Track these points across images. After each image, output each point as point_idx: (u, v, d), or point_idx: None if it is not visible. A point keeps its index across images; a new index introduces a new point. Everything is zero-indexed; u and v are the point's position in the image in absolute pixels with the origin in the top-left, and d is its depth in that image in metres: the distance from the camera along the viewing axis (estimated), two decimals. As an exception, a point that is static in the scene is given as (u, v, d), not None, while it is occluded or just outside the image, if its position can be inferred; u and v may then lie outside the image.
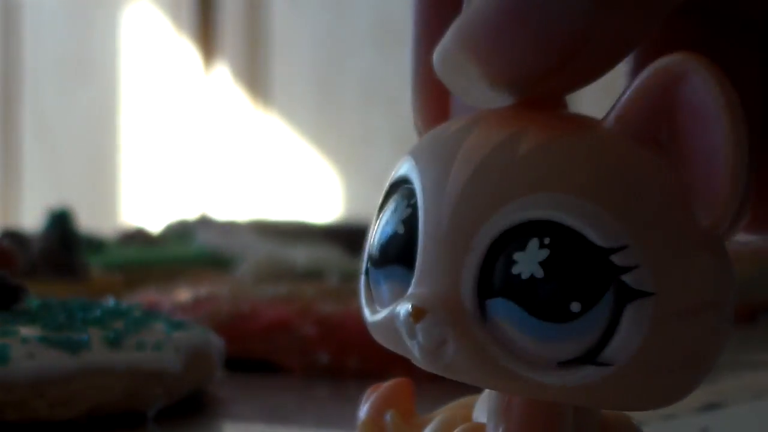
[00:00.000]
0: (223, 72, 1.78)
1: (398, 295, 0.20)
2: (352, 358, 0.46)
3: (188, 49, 1.80)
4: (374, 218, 0.22)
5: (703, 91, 0.18)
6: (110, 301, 0.44)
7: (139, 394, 0.38)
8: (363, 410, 0.24)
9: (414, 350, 0.20)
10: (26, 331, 0.37)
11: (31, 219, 1.30)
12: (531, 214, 0.19)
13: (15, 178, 1.94)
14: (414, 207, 0.20)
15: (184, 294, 0.52)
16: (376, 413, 0.23)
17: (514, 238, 0.19)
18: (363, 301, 0.22)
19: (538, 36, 0.19)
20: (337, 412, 0.43)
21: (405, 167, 0.21)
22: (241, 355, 0.47)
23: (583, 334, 0.18)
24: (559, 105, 0.21)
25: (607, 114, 0.20)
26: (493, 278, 0.19)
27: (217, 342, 0.42)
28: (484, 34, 0.19)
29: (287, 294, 0.50)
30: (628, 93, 0.19)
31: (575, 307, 0.18)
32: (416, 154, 0.21)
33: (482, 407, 0.22)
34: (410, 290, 0.20)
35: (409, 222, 0.20)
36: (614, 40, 0.19)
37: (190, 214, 1.01)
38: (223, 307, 0.49)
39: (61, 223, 0.60)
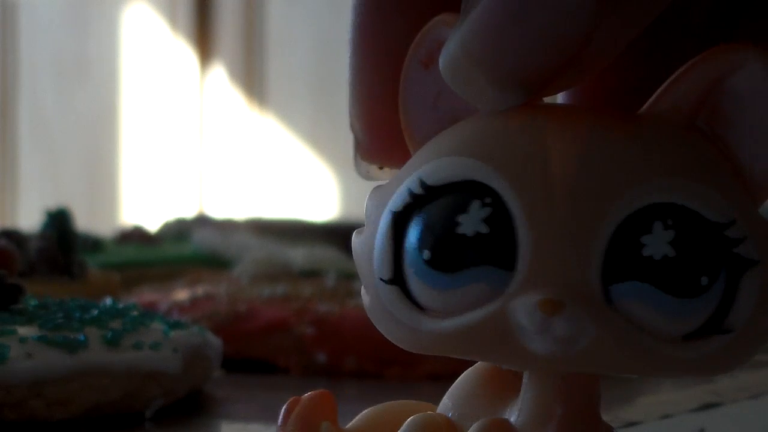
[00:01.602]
0: (219, 73, 1.78)
1: (490, 296, 0.20)
2: (349, 358, 0.46)
3: (185, 50, 1.80)
4: (388, 225, 0.21)
5: (764, 81, 0.20)
6: (108, 301, 0.44)
7: (137, 394, 0.38)
8: (288, 425, 0.23)
9: (537, 345, 0.20)
10: (24, 330, 0.37)
11: (28, 219, 1.30)
12: (652, 198, 0.19)
13: (12, 178, 1.94)
14: (495, 206, 0.20)
15: (181, 294, 0.52)
16: (307, 426, 0.23)
17: (635, 223, 0.19)
18: (406, 312, 0.21)
19: (543, 38, 0.19)
20: (335, 412, 0.43)
21: (459, 168, 0.20)
22: (239, 354, 0.48)
23: (707, 307, 0.20)
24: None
25: (653, 104, 0.20)
26: (621, 263, 0.19)
27: (214, 342, 0.42)
28: (490, 41, 0.19)
29: (284, 294, 0.50)
30: (681, 84, 0.20)
31: (704, 280, 0.19)
32: (480, 154, 0.20)
33: (464, 405, 0.22)
34: (516, 287, 0.20)
35: (494, 221, 0.20)
36: (615, 37, 0.19)
37: (188, 213, 1.01)
38: (221, 307, 0.49)
39: (59, 222, 0.60)
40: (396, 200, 0.21)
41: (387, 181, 0.22)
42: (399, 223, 0.21)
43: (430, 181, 0.20)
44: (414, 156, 0.21)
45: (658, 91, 0.21)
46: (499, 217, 0.20)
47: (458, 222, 0.20)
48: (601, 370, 0.20)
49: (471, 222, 0.20)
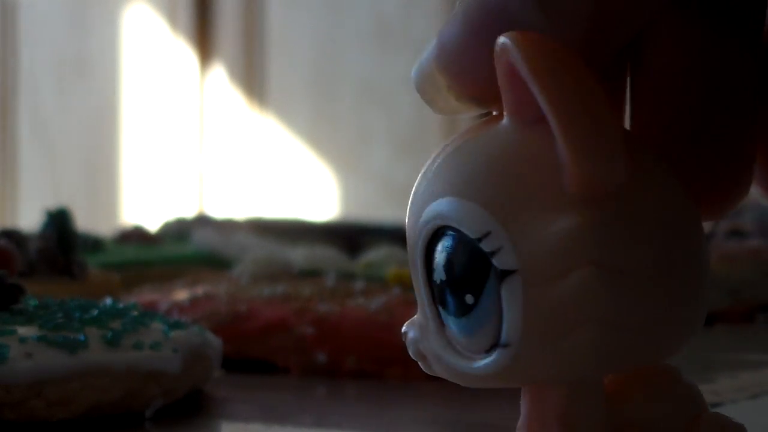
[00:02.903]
0: (219, 73, 1.78)
1: None
2: (349, 358, 0.46)
3: (185, 50, 1.80)
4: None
5: (519, 66, 0.19)
6: (108, 301, 0.44)
7: (137, 394, 0.38)
8: None
9: None
10: (24, 330, 0.37)
11: (28, 219, 1.30)
12: (431, 224, 0.20)
13: (12, 178, 1.94)
14: None
15: (181, 294, 0.52)
16: None
17: (430, 248, 0.20)
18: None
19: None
20: (335, 412, 0.43)
21: None
22: (239, 354, 0.48)
23: (486, 322, 0.20)
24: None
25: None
26: (430, 289, 0.21)
27: (214, 342, 0.42)
28: (453, 53, 0.21)
29: (284, 293, 0.50)
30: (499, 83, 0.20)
31: (469, 299, 0.20)
32: None
33: None
34: None
35: None
36: None
37: (188, 213, 1.01)
38: (221, 306, 0.49)
39: (59, 222, 0.60)
40: None
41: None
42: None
43: None
44: None
45: None
46: None
47: None
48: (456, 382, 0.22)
49: None
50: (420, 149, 1.54)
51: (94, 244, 0.71)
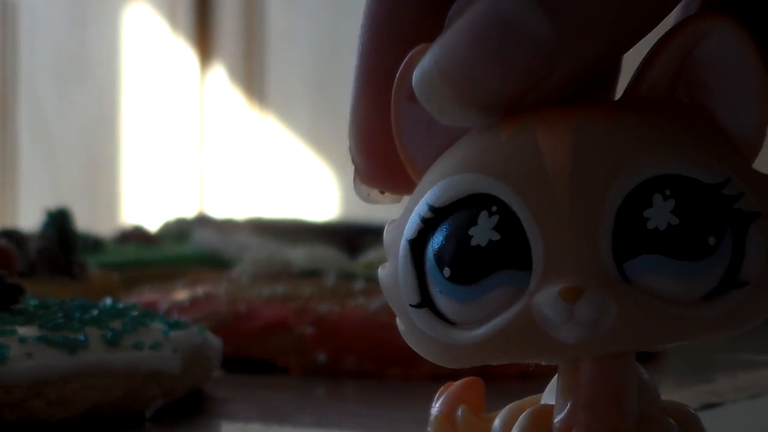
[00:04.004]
0: (219, 73, 1.78)
1: (513, 298, 0.21)
2: (349, 358, 0.46)
3: (185, 50, 1.80)
4: (407, 253, 0.22)
5: (732, 43, 0.21)
6: (108, 301, 0.44)
7: (137, 394, 0.38)
8: (435, 407, 0.25)
9: (565, 334, 0.20)
10: (24, 330, 0.37)
11: (28, 219, 1.30)
12: (647, 174, 0.20)
13: (12, 178, 1.94)
14: (502, 213, 0.21)
15: (181, 294, 0.52)
16: (448, 409, 0.24)
17: (635, 200, 0.20)
18: (439, 329, 0.22)
19: (506, 67, 0.21)
20: (335, 412, 0.43)
21: (461, 185, 0.21)
22: (239, 354, 0.48)
23: (719, 265, 0.20)
24: None
25: (633, 84, 0.22)
26: (629, 240, 0.20)
27: (214, 342, 0.42)
28: (459, 65, 0.21)
29: (284, 293, 0.50)
30: (657, 61, 0.21)
31: (712, 240, 0.20)
32: (479, 168, 0.21)
33: (549, 395, 0.23)
34: (536, 283, 0.21)
35: (504, 227, 0.21)
36: (578, 67, 0.21)
37: (188, 213, 1.01)
38: (221, 307, 0.49)
39: (59, 222, 0.60)
40: (409, 228, 0.22)
41: (384, 205, 0.24)
42: (416, 249, 0.22)
43: (437, 204, 0.22)
44: (419, 184, 0.22)
45: (636, 70, 0.22)
46: (508, 222, 0.21)
47: (470, 235, 0.21)
48: (629, 346, 0.21)
49: (482, 232, 0.21)
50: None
51: (94, 244, 0.71)
